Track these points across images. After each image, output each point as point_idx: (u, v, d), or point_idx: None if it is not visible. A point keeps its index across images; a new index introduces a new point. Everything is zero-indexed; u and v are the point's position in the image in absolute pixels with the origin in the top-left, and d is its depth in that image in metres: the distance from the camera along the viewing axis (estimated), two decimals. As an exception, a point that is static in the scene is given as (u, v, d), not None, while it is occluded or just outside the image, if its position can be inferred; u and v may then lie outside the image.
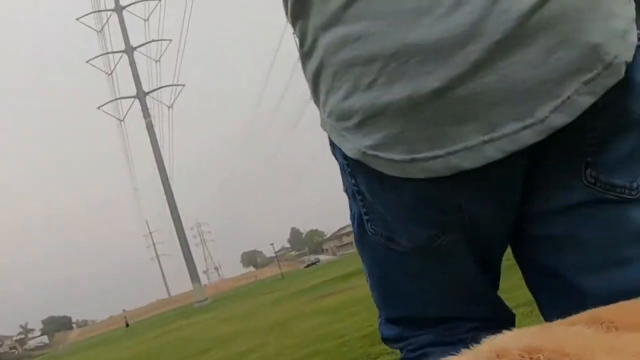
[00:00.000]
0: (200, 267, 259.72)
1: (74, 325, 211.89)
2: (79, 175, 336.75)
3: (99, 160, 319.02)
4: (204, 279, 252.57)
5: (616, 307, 0.93)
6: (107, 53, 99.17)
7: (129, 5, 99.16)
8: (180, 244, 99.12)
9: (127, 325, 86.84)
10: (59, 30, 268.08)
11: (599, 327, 0.82)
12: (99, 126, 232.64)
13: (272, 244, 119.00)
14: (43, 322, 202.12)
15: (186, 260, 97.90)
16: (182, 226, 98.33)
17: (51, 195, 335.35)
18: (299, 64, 1.41)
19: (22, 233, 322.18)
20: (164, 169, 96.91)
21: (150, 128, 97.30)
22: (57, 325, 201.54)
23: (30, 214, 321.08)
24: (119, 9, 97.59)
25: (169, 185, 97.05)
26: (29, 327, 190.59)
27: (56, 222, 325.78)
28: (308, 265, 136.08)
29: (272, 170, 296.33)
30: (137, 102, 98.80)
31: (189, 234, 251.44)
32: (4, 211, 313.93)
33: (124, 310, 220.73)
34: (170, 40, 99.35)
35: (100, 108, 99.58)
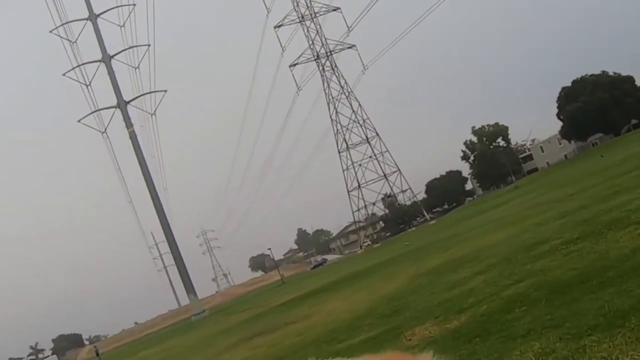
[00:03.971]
0: (209, 275, 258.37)
1: (86, 342, 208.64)
2: (75, 190, 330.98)
3: (91, 173, 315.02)
4: (213, 286, 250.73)
5: (386, 356, 1.07)
6: (83, 64, 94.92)
7: (103, 12, 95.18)
8: (173, 255, 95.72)
9: (98, 354, 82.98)
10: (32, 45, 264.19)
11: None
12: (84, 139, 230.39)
13: (269, 249, 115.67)
14: (53, 341, 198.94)
15: (179, 271, 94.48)
16: (173, 237, 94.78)
17: (50, 210, 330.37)
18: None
19: (26, 251, 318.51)
20: (150, 179, 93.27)
21: (133, 138, 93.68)
22: (68, 343, 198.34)
23: (32, 231, 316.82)
24: (93, 17, 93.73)
25: (157, 194, 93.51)
26: (39, 347, 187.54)
27: (59, 238, 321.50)
28: (315, 267, 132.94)
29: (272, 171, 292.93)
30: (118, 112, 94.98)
31: (194, 242, 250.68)
32: (5, 230, 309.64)
33: (135, 323, 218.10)
34: (149, 46, 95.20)
35: (81, 121, 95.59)
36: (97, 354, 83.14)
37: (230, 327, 31.14)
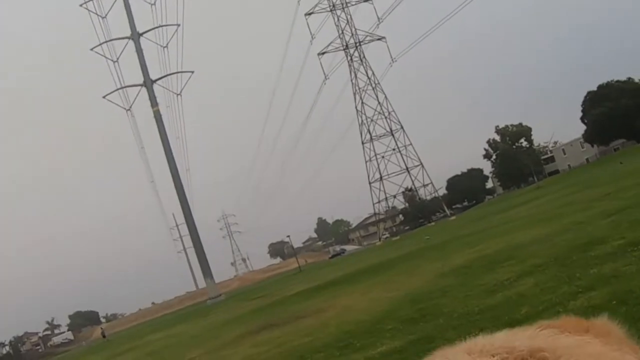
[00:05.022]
0: (229, 259, 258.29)
1: (102, 320, 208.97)
2: (97, 167, 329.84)
3: (114, 150, 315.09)
4: (231, 270, 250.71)
5: (562, 320, 1.19)
6: (112, 40, 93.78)
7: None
8: (192, 238, 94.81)
9: (104, 336, 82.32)
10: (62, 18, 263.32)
11: (557, 332, 1.04)
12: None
13: (288, 236, 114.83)
14: (70, 317, 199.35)
15: (197, 254, 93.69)
16: (192, 219, 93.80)
17: (68, 189, 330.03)
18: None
19: (47, 227, 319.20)
20: (173, 160, 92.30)
21: (158, 117, 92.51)
22: (85, 320, 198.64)
23: (52, 207, 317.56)
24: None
25: (179, 176, 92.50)
26: (55, 322, 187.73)
27: (80, 215, 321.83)
28: (333, 256, 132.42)
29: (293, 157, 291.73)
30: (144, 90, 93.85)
31: (215, 225, 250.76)
32: (26, 206, 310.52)
33: (152, 303, 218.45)
34: (178, 25, 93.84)
35: (106, 97, 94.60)
36: (104, 336, 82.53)
37: (241, 315, 30.08)
